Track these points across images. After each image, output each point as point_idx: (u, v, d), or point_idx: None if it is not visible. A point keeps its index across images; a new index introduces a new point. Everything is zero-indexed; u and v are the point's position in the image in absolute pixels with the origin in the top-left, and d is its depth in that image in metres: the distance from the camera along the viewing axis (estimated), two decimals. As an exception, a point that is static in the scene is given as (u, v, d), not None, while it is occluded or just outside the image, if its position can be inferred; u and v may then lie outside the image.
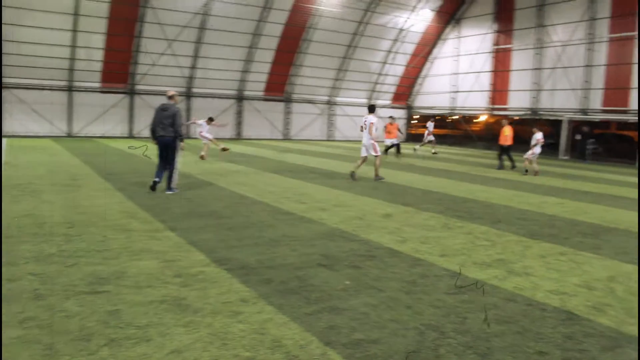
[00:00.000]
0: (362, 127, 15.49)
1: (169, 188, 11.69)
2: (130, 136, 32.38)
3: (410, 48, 40.80)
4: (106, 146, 25.02)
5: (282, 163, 20.00)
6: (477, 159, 28.15)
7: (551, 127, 33.71)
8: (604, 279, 6.55)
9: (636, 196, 15.11)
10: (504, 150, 21.79)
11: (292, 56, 36.51)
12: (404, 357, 4.11)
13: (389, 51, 40.09)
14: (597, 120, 32.73)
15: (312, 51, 36.65)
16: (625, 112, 30.46)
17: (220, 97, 35.01)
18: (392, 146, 25.29)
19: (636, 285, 6.38)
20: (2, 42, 26.55)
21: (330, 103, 40.14)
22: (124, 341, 4.17)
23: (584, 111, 32.07)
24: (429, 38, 41.03)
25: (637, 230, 9.92)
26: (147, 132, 32.72)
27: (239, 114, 36.15)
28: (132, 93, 32.38)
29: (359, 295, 5.49)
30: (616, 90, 30.74)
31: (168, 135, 11.48)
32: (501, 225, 9.73)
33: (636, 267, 7.19)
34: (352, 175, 15.55)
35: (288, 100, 38.22)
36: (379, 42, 39.11)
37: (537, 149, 19.85)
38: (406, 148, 30.83)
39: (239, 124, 36.17)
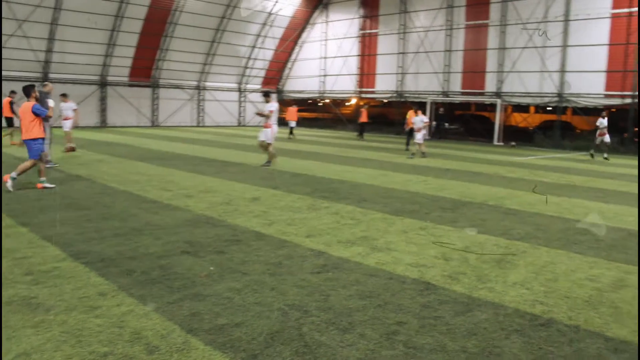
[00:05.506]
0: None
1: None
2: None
3: (279, 32, 40.88)
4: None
5: (149, 151, 19.34)
6: (346, 141, 28.89)
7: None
8: (459, 250, 6.98)
9: (489, 171, 16.26)
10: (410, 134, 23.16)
11: (158, 40, 35.24)
12: (267, 339, 4.13)
13: (258, 35, 39.93)
14: (457, 102, 34.85)
15: (179, 35, 35.59)
16: (482, 94, 32.63)
17: (81, 82, 32.97)
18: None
19: (488, 252, 6.86)
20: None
21: (199, 88, 39.31)
22: (-39, 349, 3.83)
23: (445, 93, 33.94)
24: (298, 22, 41.35)
25: (493, 202, 10.67)
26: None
27: (103, 100, 34.34)
28: (-22, 79, 29.67)
29: (223, 281, 5.44)
30: (473, 73, 32.82)
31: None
32: (366, 204, 10.06)
33: (488, 237, 7.73)
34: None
35: (155, 85, 36.89)
36: (247, 26, 38.82)
37: (425, 131, 20.59)
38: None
39: (102, 111, 34.37)
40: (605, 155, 22.40)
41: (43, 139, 10.69)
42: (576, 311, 4.97)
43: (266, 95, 15.96)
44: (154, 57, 35.90)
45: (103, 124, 34.29)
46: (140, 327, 4.28)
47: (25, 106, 10.42)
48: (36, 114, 10.41)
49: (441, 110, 33.79)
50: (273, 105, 15.52)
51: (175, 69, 37.08)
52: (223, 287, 5.26)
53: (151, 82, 36.67)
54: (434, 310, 4.87)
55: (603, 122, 22.26)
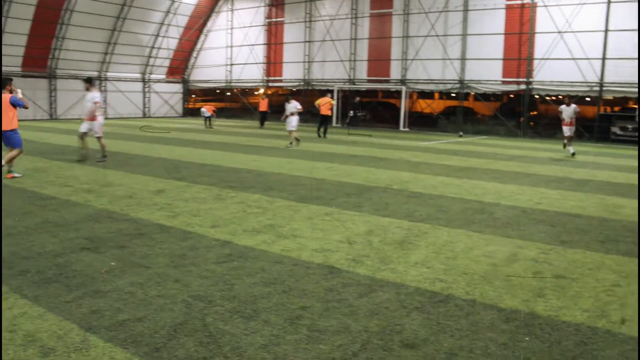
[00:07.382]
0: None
1: None
2: None
3: (183, 21, 39.95)
4: None
5: (46, 145, 18.42)
6: (253, 130, 28.74)
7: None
8: (364, 233, 7.14)
9: (394, 156, 16.68)
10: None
11: (54, 27, 33.47)
12: (170, 331, 4.05)
13: (162, 24, 38.83)
14: (363, 89, 35.48)
15: (76, 22, 33.94)
16: (387, 81, 33.37)
17: (-32, 74, 30.85)
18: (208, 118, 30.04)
19: (391, 235, 7.06)
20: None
21: (100, 79, 37.71)
22: None
23: (352, 81, 34.44)
24: (203, 10, 40.57)
25: (397, 186, 10.96)
26: None
27: (-6, 92, 32.25)
28: None
29: (124, 275, 5.28)
30: (379, 61, 33.47)
31: None
32: (273, 192, 10.08)
33: (392, 220, 7.95)
34: None
35: (52, 76, 35.05)
36: (150, 14, 37.63)
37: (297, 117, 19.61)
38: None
39: (-6, 104, 32.27)
40: (572, 150, 18.80)
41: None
42: (473, 286, 5.21)
43: (87, 82, 14.29)
44: (50, 45, 34.08)
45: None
46: (34, 329, 4.08)
47: (3, 98, 10.65)
48: (14, 105, 10.80)
49: (357, 99, 34.30)
50: (97, 96, 14.17)
51: (74, 58, 35.34)
52: (125, 282, 5.11)
53: (47, 73, 34.80)
54: (338, 293, 4.96)
55: (567, 110, 18.55)
